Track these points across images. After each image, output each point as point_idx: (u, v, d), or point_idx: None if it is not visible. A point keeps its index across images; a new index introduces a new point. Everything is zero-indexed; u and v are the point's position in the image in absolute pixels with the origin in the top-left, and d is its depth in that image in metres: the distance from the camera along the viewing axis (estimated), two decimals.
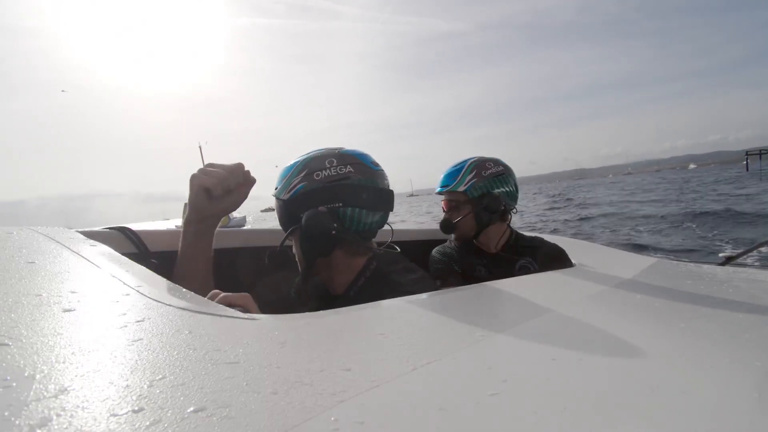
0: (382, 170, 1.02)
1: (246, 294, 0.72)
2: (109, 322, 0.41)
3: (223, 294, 0.69)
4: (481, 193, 1.45)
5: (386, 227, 1.06)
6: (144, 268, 0.64)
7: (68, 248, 0.67)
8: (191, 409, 0.28)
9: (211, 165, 0.96)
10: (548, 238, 1.63)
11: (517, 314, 0.62)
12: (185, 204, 0.97)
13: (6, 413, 0.25)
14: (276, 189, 0.98)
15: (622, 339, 0.52)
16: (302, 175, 0.95)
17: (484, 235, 1.49)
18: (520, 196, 1.58)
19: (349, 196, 0.96)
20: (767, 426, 0.33)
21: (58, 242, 0.70)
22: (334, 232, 0.92)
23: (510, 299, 0.73)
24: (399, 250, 1.09)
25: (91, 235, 0.85)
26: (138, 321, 0.42)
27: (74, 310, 0.43)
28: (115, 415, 0.26)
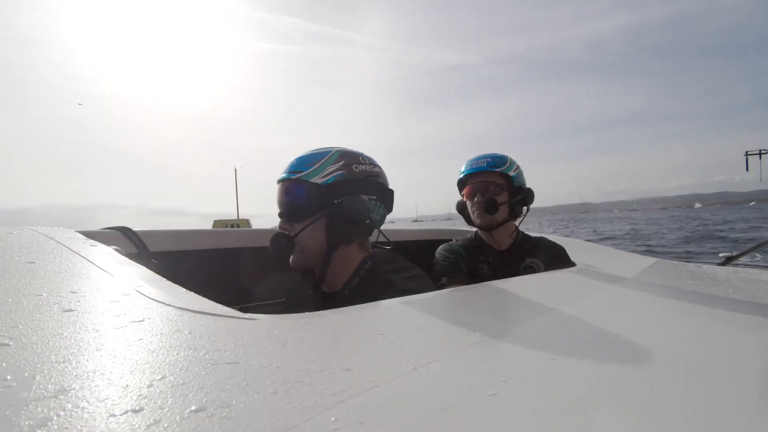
0: None
1: None
2: (108, 322, 0.41)
3: None
4: (520, 185, 1.47)
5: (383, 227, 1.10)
6: (144, 268, 0.64)
7: (68, 248, 0.67)
8: (191, 409, 0.28)
9: None
10: (549, 237, 1.63)
11: (517, 314, 0.62)
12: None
13: (6, 413, 0.25)
14: (300, 172, 0.98)
15: (622, 339, 0.52)
16: (340, 164, 0.99)
17: (502, 230, 1.48)
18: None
19: (380, 192, 1.05)
20: (767, 426, 0.33)
21: (58, 242, 0.70)
22: (368, 221, 1.00)
23: (510, 299, 0.73)
24: (390, 248, 1.11)
25: (91, 235, 0.85)
26: (138, 321, 0.42)
27: (74, 310, 0.43)
28: (114, 415, 0.26)
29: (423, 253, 1.61)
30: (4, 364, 0.31)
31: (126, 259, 0.68)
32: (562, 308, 0.67)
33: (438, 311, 0.63)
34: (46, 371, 0.31)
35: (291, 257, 1.01)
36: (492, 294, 0.76)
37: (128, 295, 0.50)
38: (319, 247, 1.01)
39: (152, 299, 0.49)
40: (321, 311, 0.56)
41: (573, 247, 1.54)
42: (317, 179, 0.98)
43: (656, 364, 0.43)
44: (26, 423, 0.25)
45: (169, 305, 0.48)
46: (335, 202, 0.98)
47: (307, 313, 0.55)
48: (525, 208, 1.49)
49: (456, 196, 1.59)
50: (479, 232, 1.55)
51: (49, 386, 0.29)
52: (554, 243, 1.53)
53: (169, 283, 0.59)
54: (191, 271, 1.12)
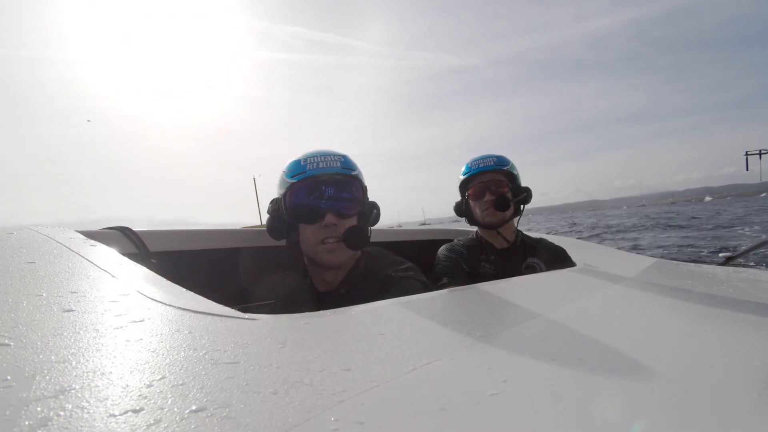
0: None
1: None
2: (108, 322, 0.41)
3: None
4: (520, 184, 1.50)
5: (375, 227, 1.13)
6: (144, 268, 0.64)
7: (68, 248, 0.67)
8: (191, 409, 0.28)
9: None
10: (549, 238, 1.64)
11: (517, 314, 0.62)
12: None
13: (6, 413, 0.25)
14: (354, 170, 1.03)
15: (622, 339, 0.52)
16: (361, 174, 1.06)
17: (504, 228, 1.49)
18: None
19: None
20: (767, 426, 0.33)
21: (58, 242, 0.70)
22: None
23: (510, 299, 0.73)
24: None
25: (91, 235, 0.85)
26: (138, 321, 0.42)
27: (74, 310, 0.43)
28: (114, 415, 0.26)
29: (424, 253, 1.61)
30: (4, 364, 0.31)
31: (126, 259, 0.68)
32: (562, 308, 0.67)
33: (438, 311, 0.63)
34: (46, 371, 0.31)
35: (344, 254, 1.01)
36: (492, 294, 0.76)
37: (128, 295, 0.50)
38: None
39: (152, 299, 0.49)
40: (321, 311, 0.56)
41: (573, 247, 1.54)
42: (363, 182, 1.06)
43: (656, 364, 0.43)
44: (26, 423, 0.25)
45: (169, 305, 0.48)
46: (366, 202, 1.05)
47: (307, 313, 0.55)
48: (522, 206, 1.51)
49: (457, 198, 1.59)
50: (480, 231, 1.55)
51: (49, 386, 0.29)
52: (554, 244, 1.54)
53: (169, 283, 0.59)
54: (191, 271, 1.11)
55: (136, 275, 0.60)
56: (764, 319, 0.67)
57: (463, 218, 1.58)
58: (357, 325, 0.52)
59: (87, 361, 0.33)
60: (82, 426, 0.25)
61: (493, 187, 1.46)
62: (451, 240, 1.61)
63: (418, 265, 1.09)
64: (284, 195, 1.02)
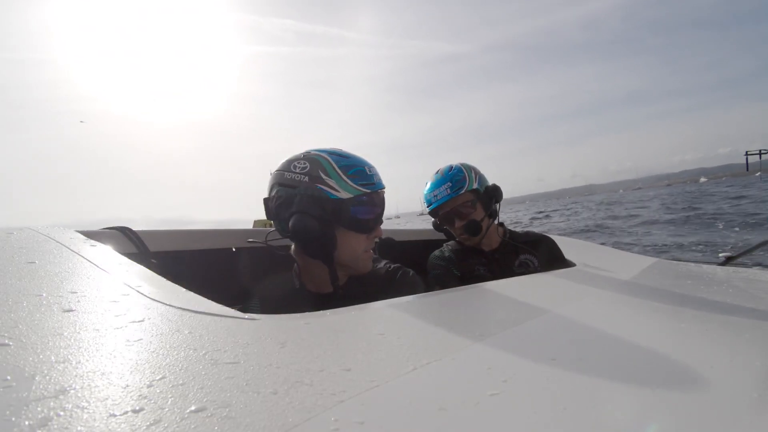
0: None
1: None
2: (108, 323, 0.41)
3: None
4: (485, 188, 1.48)
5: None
6: (144, 268, 0.64)
7: (68, 248, 0.67)
8: (191, 409, 0.28)
9: None
10: (534, 230, 1.64)
11: (517, 314, 0.62)
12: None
13: (6, 413, 0.25)
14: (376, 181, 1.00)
15: (622, 339, 0.52)
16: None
17: (489, 234, 1.49)
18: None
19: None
20: (767, 426, 0.33)
21: (58, 242, 0.70)
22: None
23: (510, 299, 0.73)
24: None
25: (91, 235, 0.85)
26: (138, 321, 0.42)
27: (74, 310, 0.43)
28: (114, 415, 0.26)
29: (420, 254, 1.61)
30: (4, 364, 0.31)
31: (126, 259, 0.68)
32: (561, 309, 0.67)
33: (438, 311, 0.63)
34: (46, 371, 0.31)
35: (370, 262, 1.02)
36: (491, 294, 0.76)
37: (128, 295, 0.50)
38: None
39: (152, 299, 0.49)
40: (321, 311, 0.56)
41: (573, 247, 1.54)
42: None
43: (656, 364, 0.43)
44: (26, 423, 0.25)
45: (169, 305, 0.48)
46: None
47: (307, 313, 0.55)
48: (498, 205, 1.49)
49: None
50: None
51: (49, 386, 0.29)
52: (541, 235, 1.56)
53: (169, 283, 0.59)
54: (191, 271, 1.11)
55: (136, 275, 0.60)
56: (764, 319, 0.67)
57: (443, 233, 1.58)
58: (357, 325, 0.52)
59: (87, 361, 0.33)
60: (82, 426, 0.25)
61: (458, 212, 1.44)
62: (448, 240, 1.61)
63: (415, 265, 1.10)
64: (344, 201, 0.93)
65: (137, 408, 0.27)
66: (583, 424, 0.31)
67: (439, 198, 1.45)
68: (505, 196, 1.51)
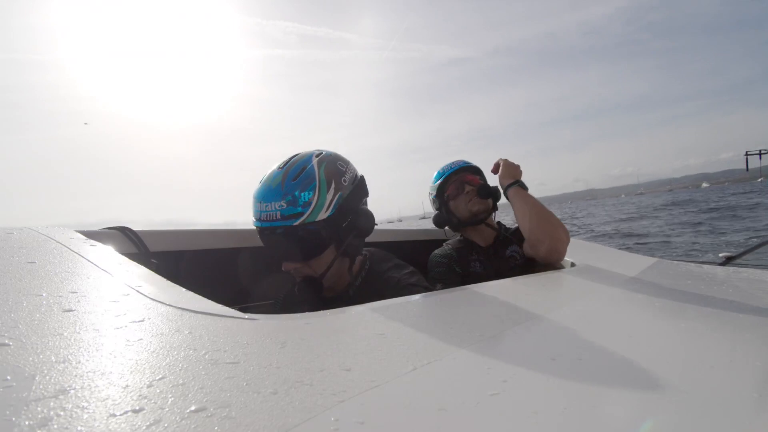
0: None
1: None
2: (108, 322, 0.41)
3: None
4: (488, 184, 1.56)
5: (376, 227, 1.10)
6: (144, 268, 0.64)
7: (68, 248, 0.67)
8: (191, 409, 0.28)
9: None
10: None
11: (517, 314, 0.62)
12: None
13: (6, 413, 0.25)
14: (300, 215, 0.89)
15: (622, 339, 0.52)
16: (333, 187, 0.93)
17: (485, 226, 1.54)
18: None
19: (365, 190, 1.04)
20: (767, 426, 0.33)
21: (58, 242, 0.70)
22: (376, 225, 1.02)
23: (510, 299, 0.73)
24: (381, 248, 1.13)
25: (91, 235, 0.85)
26: (138, 321, 0.42)
27: (74, 310, 0.43)
28: (114, 415, 0.26)
29: (419, 253, 1.62)
30: (4, 364, 0.31)
31: (126, 259, 0.68)
32: (562, 308, 0.67)
33: (438, 311, 0.63)
34: (46, 371, 0.31)
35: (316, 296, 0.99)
36: (492, 294, 0.76)
37: (128, 295, 0.50)
38: (340, 268, 1.01)
39: (152, 299, 0.49)
40: (321, 311, 0.56)
41: (573, 247, 1.54)
42: (322, 215, 0.91)
43: (656, 364, 0.43)
44: (26, 423, 0.25)
45: (169, 305, 0.48)
46: (343, 225, 0.95)
47: (307, 313, 0.55)
48: (496, 204, 1.58)
49: None
50: (465, 233, 1.60)
51: (49, 386, 0.29)
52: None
53: (169, 283, 0.59)
54: (191, 271, 1.11)
55: (136, 275, 0.60)
56: (764, 319, 0.67)
57: (445, 228, 1.63)
58: (357, 325, 0.52)
59: (87, 361, 0.33)
60: (82, 426, 0.25)
61: (469, 180, 1.56)
62: (447, 239, 1.63)
63: (415, 265, 1.09)
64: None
65: (137, 408, 0.27)
66: (583, 424, 0.31)
67: (453, 166, 1.59)
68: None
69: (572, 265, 1.26)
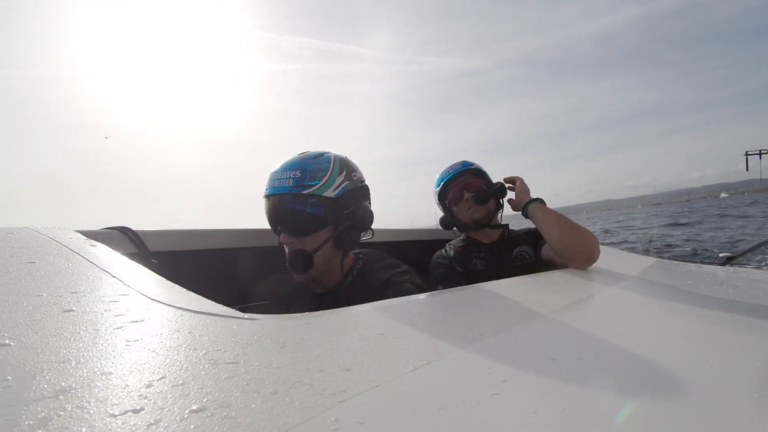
0: None
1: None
2: (109, 322, 0.41)
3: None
4: (491, 181, 1.56)
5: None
6: (144, 268, 0.64)
7: (68, 248, 0.67)
8: (191, 409, 0.28)
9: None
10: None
11: (517, 314, 0.62)
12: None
13: (6, 413, 0.25)
14: (310, 186, 0.99)
15: (622, 339, 0.52)
16: (344, 174, 1.03)
17: (490, 226, 1.54)
18: None
19: (369, 195, 1.09)
20: (767, 426, 0.33)
21: (58, 242, 0.70)
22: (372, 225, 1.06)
23: (510, 299, 0.73)
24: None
25: (91, 235, 0.85)
26: (138, 321, 0.42)
27: (74, 310, 0.43)
28: (114, 415, 0.26)
29: (419, 253, 1.62)
30: (4, 364, 0.31)
31: (126, 258, 0.68)
32: (562, 308, 0.67)
33: (438, 311, 0.63)
34: (46, 371, 0.31)
35: (301, 274, 1.01)
36: (492, 294, 0.76)
37: (128, 295, 0.50)
38: (329, 258, 1.03)
39: (152, 299, 0.49)
40: (321, 311, 0.56)
41: None
42: (329, 193, 0.99)
43: (656, 364, 0.43)
44: (26, 423, 0.25)
45: (169, 305, 0.48)
46: (345, 212, 1.01)
47: (307, 313, 0.55)
48: (501, 200, 1.57)
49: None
50: (469, 233, 1.59)
51: (49, 386, 0.29)
52: (531, 227, 1.59)
53: (169, 283, 0.59)
54: (191, 271, 1.11)
55: (136, 275, 0.60)
56: (764, 319, 0.67)
57: (452, 229, 1.63)
58: (357, 325, 0.52)
59: (87, 361, 0.33)
60: (82, 426, 0.25)
61: (468, 185, 1.55)
62: (449, 240, 1.63)
63: (417, 265, 1.10)
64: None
65: (137, 408, 0.27)
66: (583, 424, 0.31)
67: (450, 172, 1.59)
68: None
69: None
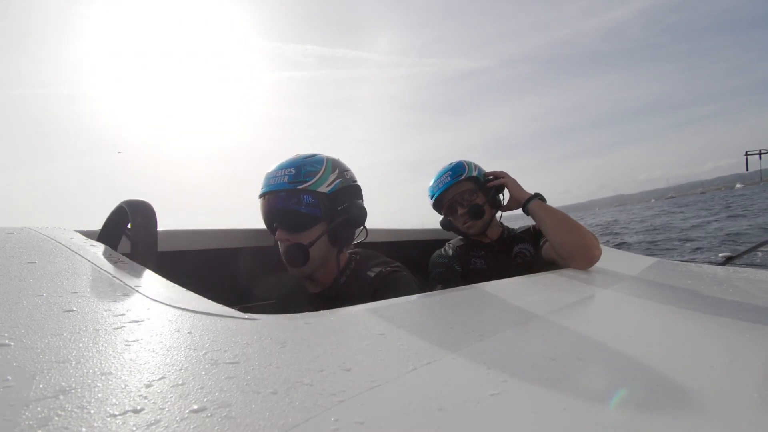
0: None
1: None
2: (108, 322, 0.41)
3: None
4: (486, 179, 1.51)
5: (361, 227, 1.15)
6: (144, 268, 0.64)
7: (68, 248, 0.67)
8: (191, 409, 0.28)
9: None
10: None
11: (517, 314, 0.62)
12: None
13: (6, 413, 0.25)
14: (304, 182, 1.01)
15: (622, 339, 0.52)
16: (336, 172, 1.06)
17: (492, 225, 1.53)
18: None
19: (361, 194, 1.11)
20: (767, 426, 0.33)
21: (58, 242, 0.70)
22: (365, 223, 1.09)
23: (510, 299, 0.73)
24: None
25: (91, 235, 0.85)
26: (138, 321, 0.42)
27: (74, 310, 0.43)
28: (114, 415, 0.26)
29: (419, 253, 1.62)
30: (4, 364, 0.31)
31: (126, 258, 0.68)
32: (562, 308, 0.67)
33: (438, 311, 0.63)
34: (46, 371, 0.31)
35: (298, 267, 1.03)
36: (492, 294, 0.76)
37: (128, 295, 0.50)
38: (325, 254, 1.05)
39: (152, 299, 0.49)
40: (321, 311, 0.56)
41: None
42: (323, 188, 1.02)
43: (656, 364, 0.43)
44: (26, 423, 0.25)
45: (169, 305, 0.48)
46: (339, 208, 1.03)
47: (307, 313, 0.55)
48: (501, 195, 1.52)
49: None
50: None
51: (49, 386, 0.29)
52: (530, 225, 1.58)
53: (169, 283, 0.59)
54: (191, 271, 1.11)
55: (136, 275, 0.60)
56: (764, 319, 0.67)
57: (451, 231, 1.61)
58: (357, 325, 0.52)
59: (87, 361, 0.33)
60: (82, 426, 0.25)
61: (460, 199, 1.49)
62: (449, 239, 1.63)
63: (416, 265, 1.10)
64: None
65: (137, 408, 0.27)
66: (583, 424, 0.31)
67: (440, 186, 1.52)
68: None
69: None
